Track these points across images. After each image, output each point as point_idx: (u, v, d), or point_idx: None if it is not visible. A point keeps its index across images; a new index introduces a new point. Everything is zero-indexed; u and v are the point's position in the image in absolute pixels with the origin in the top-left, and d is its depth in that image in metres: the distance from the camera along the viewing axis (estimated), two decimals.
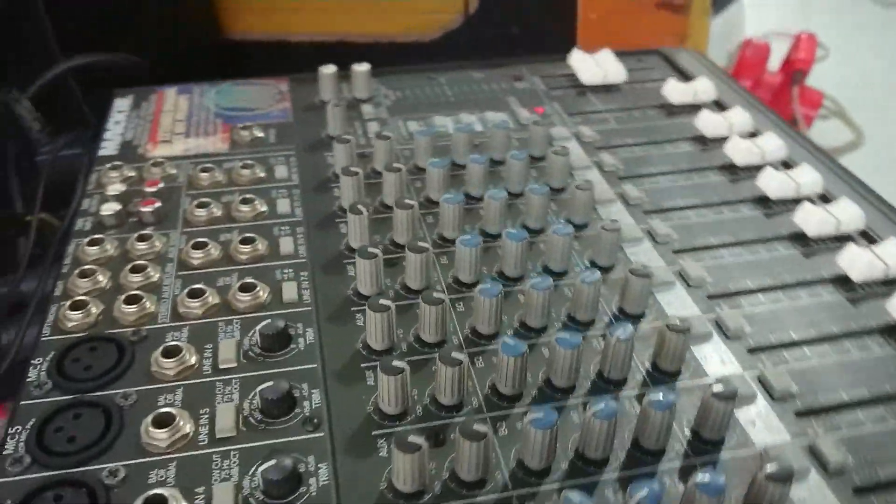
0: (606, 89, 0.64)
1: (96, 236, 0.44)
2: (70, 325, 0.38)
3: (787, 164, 0.53)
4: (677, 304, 0.42)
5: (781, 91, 1.01)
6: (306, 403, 0.35)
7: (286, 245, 0.45)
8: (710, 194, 0.51)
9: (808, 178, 0.50)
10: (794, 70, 0.98)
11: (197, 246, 0.43)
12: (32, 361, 0.37)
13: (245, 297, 0.40)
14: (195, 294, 0.40)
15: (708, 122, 0.56)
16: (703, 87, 0.61)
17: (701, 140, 0.56)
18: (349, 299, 0.41)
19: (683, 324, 0.36)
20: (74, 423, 0.34)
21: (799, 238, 0.47)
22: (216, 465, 0.32)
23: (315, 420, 0.34)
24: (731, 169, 0.53)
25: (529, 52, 0.74)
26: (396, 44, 0.91)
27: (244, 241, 0.44)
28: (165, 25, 0.78)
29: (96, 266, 0.42)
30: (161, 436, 0.33)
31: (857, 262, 0.43)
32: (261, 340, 0.38)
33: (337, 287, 0.42)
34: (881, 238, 0.46)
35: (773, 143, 0.53)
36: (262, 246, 0.44)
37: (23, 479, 0.31)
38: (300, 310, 0.40)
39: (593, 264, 0.44)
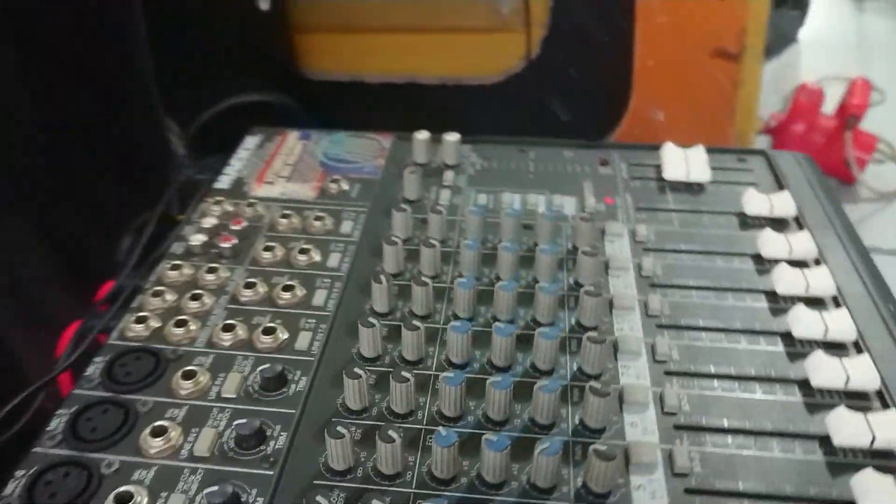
0: (688, 187, 0.64)
1: (177, 262, 0.54)
2: (130, 334, 0.48)
3: (834, 300, 0.51)
4: (640, 425, 0.43)
5: (835, 135, 1.05)
6: (272, 443, 0.42)
7: (319, 297, 0.52)
8: (735, 320, 0.50)
9: (841, 324, 0.48)
10: (849, 115, 1.01)
11: (248, 285, 0.52)
12: (94, 359, 0.47)
13: (266, 339, 0.48)
14: (228, 328, 0.48)
15: (767, 242, 0.55)
16: (781, 201, 0.59)
17: (758, 259, 0.55)
18: (352, 359, 0.47)
19: (610, 450, 0.38)
20: (102, 416, 0.43)
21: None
22: (183, 477, 0.40)
23: (272, 459, 0.41)
24: (771, 296, 0.52)
25: (587, 96, 0.75)
26: (462, 85, 0.97)
27: (285, 288, 0.52)
28: (251, 66, 0.89)
29: (167, 288, 0.52)
30: (153, 443, 0.41)
31: (820, 367, 0.45)
32: (261, 380, 0.45)
33: (346, 346, 0.48)
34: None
35: (822, 281, 0.51)
36: (299, 294, 0.52)
37: (49, 453, 0.41)
38: (305, 359, 0.47)
39: (581, 371, 0.47)
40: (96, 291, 0.62)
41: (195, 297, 0.51)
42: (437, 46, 1.16)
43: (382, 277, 0.50)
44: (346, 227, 0.59)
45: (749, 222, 0.60)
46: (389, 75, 1.17)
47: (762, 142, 1.51)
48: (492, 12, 1.12)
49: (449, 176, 0.65)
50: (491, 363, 0.47)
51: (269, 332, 0.48)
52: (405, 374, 0.43)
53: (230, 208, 0.60)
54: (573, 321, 0.50)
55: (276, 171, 0.66)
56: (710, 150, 0.67)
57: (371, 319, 0.46)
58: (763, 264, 0.55)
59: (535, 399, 0.43)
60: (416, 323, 0.46)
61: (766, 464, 0.41)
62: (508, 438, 0.39)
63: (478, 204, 0.61)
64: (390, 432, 0.39)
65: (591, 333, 0.45)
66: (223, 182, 0.64)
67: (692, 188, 0.64)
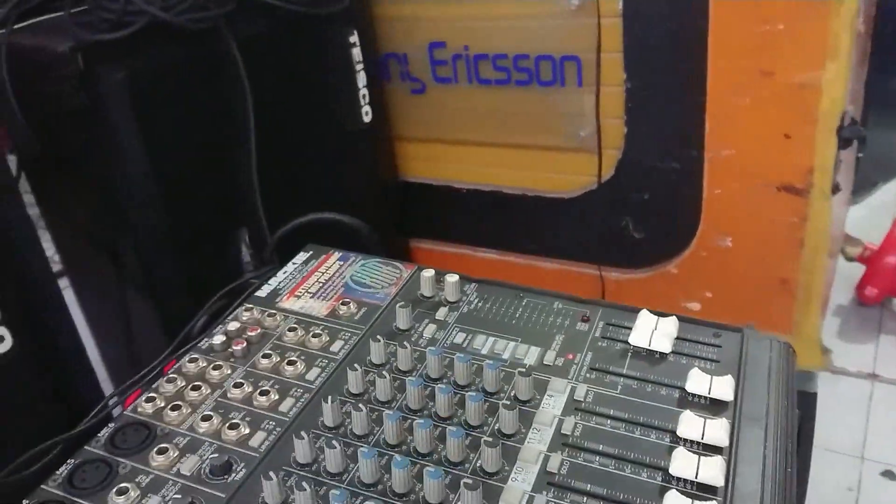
0: (649, 355, 0.69)
1: (195, 356, 0.69)
2: (140, 409, 0.63)
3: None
4: None
5: None
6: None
7: (286, 405, 0.64)
8: (620, 491, 0.55)
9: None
10: None
11: (237, 385, 0.65)
12: (108, 424, 0.62)
13: (230, 433, 0.61)
14: (206, 418, 0.62)
15: (684, 421, 0.59)
16: (720, 384, 0.63)
17: (674, 436, 0.60)
18: (290, 462, 0.59)
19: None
20: (94, 471, 0.58)
21: None
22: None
23: None
24: (665, 474, 0.56)
25: (658, 218, 0.81)
26: (542, 197, 1.06)
27: (262, 393, 0.64)
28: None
29: (180, 376, 0.66)
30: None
31: None
32: (210, 466, 0.58)
33: (289, 449, 0.60)
34: None
35: (710, 472, 0.55)
36: (273, 398, 0.64)
37: (50, 491, 0.56)
38: (252, 454, 0.59)
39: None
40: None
41: (195, 388, 0.65)
42: (521, 161, 1.29)
43: (330, 398, 0.61)
44: (337, 346, 0.71)
45: (689, 399, 0.64)
46: (477, 184, 1.31)
47: (854, 269, 1.46)
48: (570, 135, 1.23)
49: (442, 312, 0.75)
50: (391, 489, 0.56)
51: (233, 427, 0.61)
52: (305, 484, 0.53)
53: (257, 315, 0.75)
54: (478, 464, 0.58)
55: (307, 286, 0.80)
56: (688, 321, 0.71)
57: (303, 433, 0.58)
58: (678, 443, 0.59)
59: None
60: (335, 442, 0.57)
61: None
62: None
63: (451, 343, 0.71)
64: None
65: (466, 480, 0.53)
66: (263, 291, 0.79)
67: (653, 356, 0.69)
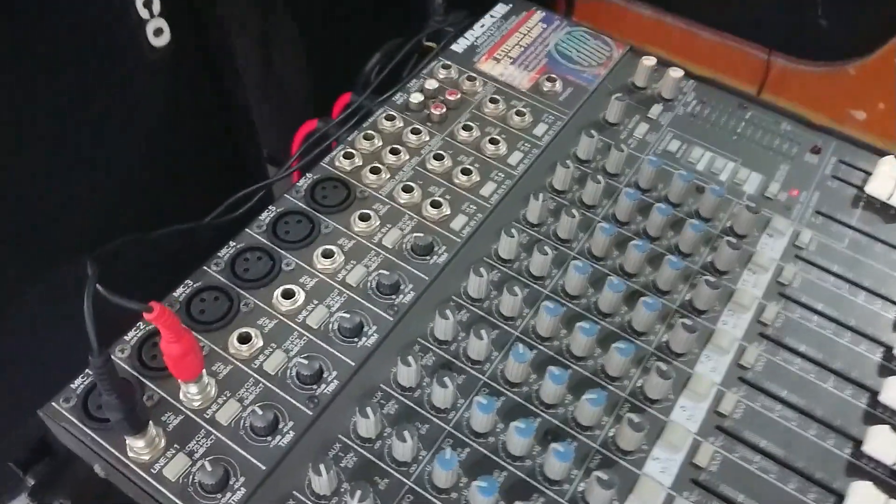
0: (883, 209, 0.62)
1: (392, 113, 0.64)
2: (337, 164, 0.60)
3: None
4: (689, 412, 0.49)
5: None
6: (401, 296, 0.53)
7: (487, 188, 0.60)
8: (837, 360, 0.52)
9: None
10: None
11: (437, 157, 0.61)
12: (305, 174, 0.60)
13: (431, 210, 0.58)
14: (407, 189, 0.59)
15: None
16: None
17: None
18: (490, 254, 0.56)
19: (642, 423, 0.46)
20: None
21: None
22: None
23: (396, 309, 0.53)
24: (888, 354, 0.53)
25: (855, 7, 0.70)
26: None
27: (464, 171, 0.60)
28: None
29: (378, 134, 0.62)
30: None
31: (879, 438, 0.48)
32: (412, 244, 0.56)
33: (490, 241, 0.57)
34: None
35: None
36: (474, 179, 0.60)
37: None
38: (453, 238, 0.57)
39: (667, 346, 0.52)
40: (335, 100, 0.75)
41: (394, 152, 0.61)
42: None
43: (541, 195, 0.57)
44: (540, 129, 0.65)
45: None
46: None
47: None
48: None
49: (655, 110, 0.67)
50: (596, 306, 0.54)
51: (435, 205, 0.58)
52: (517, 288, 0.51)
53: (454, 76, 0.68)
54: (687, 297, 0.55)
55: (507, 49, 0.71)
56: None
57: (514, 229, 0.55)
58: None
59: (610, 353, 0.50)
60: (548, 249, 0.54)
61: (778, 495, 0.46)
62: (569, 375, 0.47)
63: (664, 150, 0.64)
64: (482, 331, 0.49)
65: (685, 321, 0.50)
66: (459, 46, 0.71)
67: (887, 212, 0.62)
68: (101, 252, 0.44)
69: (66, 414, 0.46)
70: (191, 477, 0.44)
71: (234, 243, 0.55)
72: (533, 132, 0.64)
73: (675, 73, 0.67)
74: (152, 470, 0.44)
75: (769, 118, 0.68)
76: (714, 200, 0.58)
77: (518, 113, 0.65)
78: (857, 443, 0.49)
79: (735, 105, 0.69)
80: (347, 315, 0.51)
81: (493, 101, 0.66)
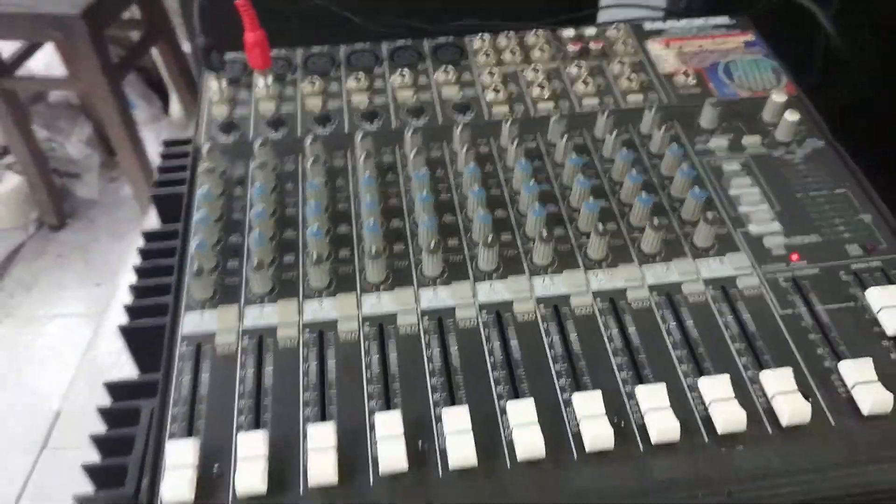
0: None
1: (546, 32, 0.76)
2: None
3: None
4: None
5: None
6: None
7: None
8: None
9: None
10: None
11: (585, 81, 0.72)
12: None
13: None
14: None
15: None
16: None
17: None
18: None
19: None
20: None
21: None
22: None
23: None
24: None
25: None
26: None
27: (540, 85, 0.71)
28: None
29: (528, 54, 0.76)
30: None
31: None
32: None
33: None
34: None
35: None
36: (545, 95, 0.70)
37: None
38: None
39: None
40: None
41: (534, 69, 0.75)
42: None
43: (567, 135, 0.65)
44: (633, 99, 0.70)
45: None
46: None
47: None
48: None
49: (752, 139, 0.66)
50: None
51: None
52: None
53: (619, 35, 0.76)
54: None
55: (685, 44, 0.76)
56: None
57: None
58: None
59: None
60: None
61: None
62: None
63: (715, 167, 0.64)
64: None
65: None
66: (653, 24, 0.78)
67: None
68: None
69: None
70: None
71: None
72: (627, 98, 0.70)
73: (792, 116, 0.65)
74: None
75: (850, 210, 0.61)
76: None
77: (629, 79, 0.71)
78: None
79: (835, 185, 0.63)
80: None
81: (620, 62, 0.73)
